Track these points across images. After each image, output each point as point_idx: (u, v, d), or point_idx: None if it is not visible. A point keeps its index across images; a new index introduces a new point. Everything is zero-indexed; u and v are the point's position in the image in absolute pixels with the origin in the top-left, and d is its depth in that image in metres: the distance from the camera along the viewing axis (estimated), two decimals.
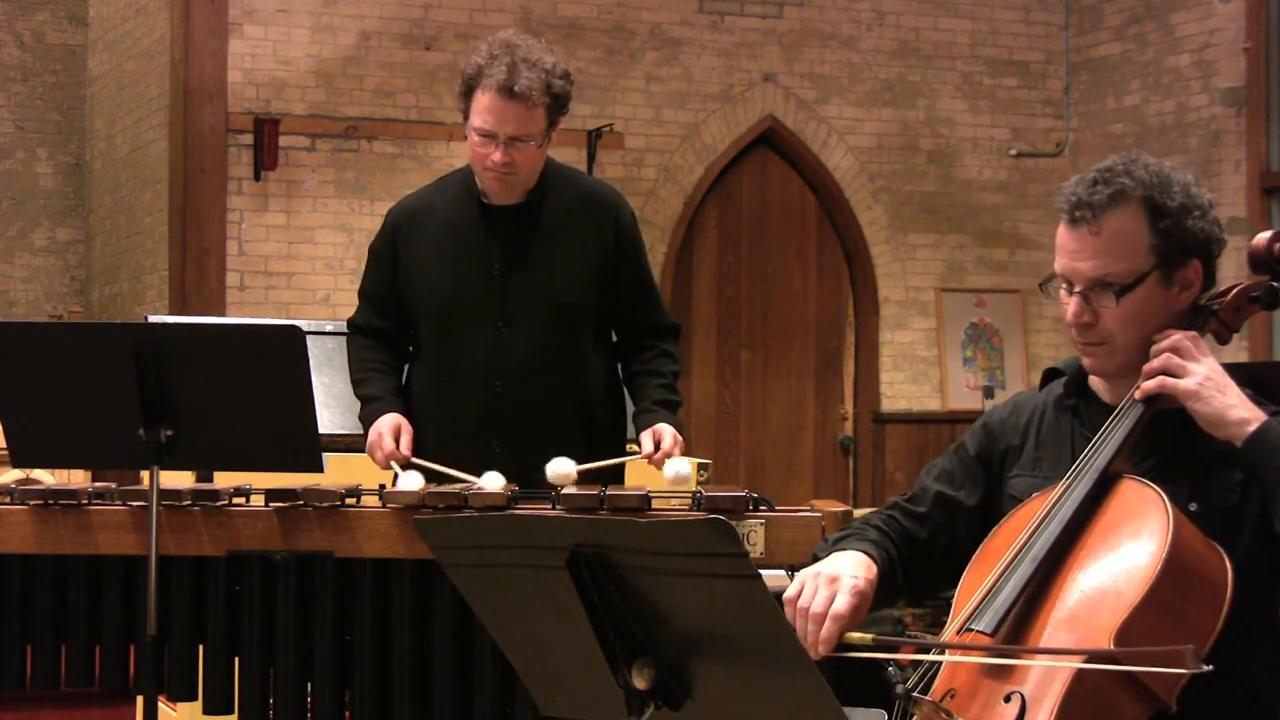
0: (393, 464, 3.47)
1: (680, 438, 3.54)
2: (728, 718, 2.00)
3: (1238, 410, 2.27)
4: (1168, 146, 8.22)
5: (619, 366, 3.76)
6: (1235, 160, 7.99)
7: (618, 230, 3.64)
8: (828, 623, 2.30)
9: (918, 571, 2.59)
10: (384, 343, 3.71)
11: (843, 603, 2.33)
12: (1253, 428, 2.25)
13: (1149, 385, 2.34)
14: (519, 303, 3.57)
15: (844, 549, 2.48)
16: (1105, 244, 2.38)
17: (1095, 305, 2.40)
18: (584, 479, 3.37)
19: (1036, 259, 9.02)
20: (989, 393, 8.77)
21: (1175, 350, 2.34)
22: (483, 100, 3.47)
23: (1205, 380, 2.30)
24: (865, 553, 2.46)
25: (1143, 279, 2.37)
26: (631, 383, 3.71)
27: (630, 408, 3.77)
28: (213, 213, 7.65)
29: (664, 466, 3.43)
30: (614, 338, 3.76)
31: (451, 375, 3.62)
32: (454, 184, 3.69)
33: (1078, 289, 2.41)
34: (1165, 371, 2.33)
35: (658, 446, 3.49)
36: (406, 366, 3.74)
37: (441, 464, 3.43)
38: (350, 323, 3.78)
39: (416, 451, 3.51)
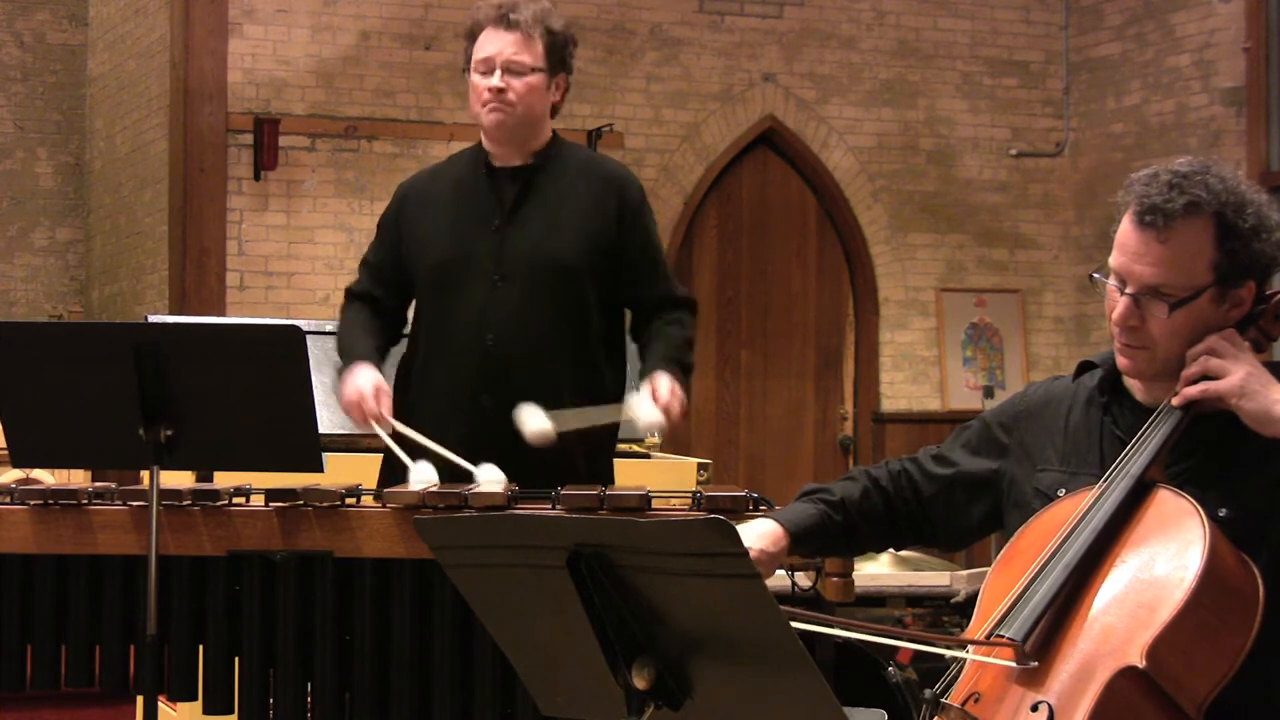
0: (381, 433, 3.46)
1: (680, 392, 3.49)
2: (728, 718, 2.00)
3: None
4: (1168, 146, 8.22)
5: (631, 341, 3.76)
6: (1235, 160, 7.99)
7: (621, 202, 3.65)
8: None
9: (903, 524, 2.67)
10: (376, 310, 3.74)
11: None
12: None
13: (1190, 391, 2.30)
14: (515, 258, 3.58)
15: (773, 515, 2.61)
16: (1169, 254, 2.31)
17: (1145, 311, 2.34)
18: (566, 435, 3.36)
19: (1036, 259, 9.02)
20: (989, 393, 8.76)
21: (1212, 352, 2.31)
22: (481, 37, 3.60)
23: (1248, 376, 2.27)
24: (783, 523, 2.57)
25: (1198, 294, 2.32)
26: (641, 352, 3.69)
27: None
28: (213, 213, 7.65)
29: (636, 411, 3.39)
30: (626, 314, 3.75)
31: (446, 330, 3.63)
32: (464, 155, 3.78)
33: (1130, 291, 2.35)
34: (1205, 375, 2.30)
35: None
36: (397, 346, 3.76)
37: (432, 439, 3.43)
38: (347, 290, 3.81)
39: (406, 418, 3.51)
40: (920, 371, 8.86)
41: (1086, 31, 8.98)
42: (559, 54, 3.63)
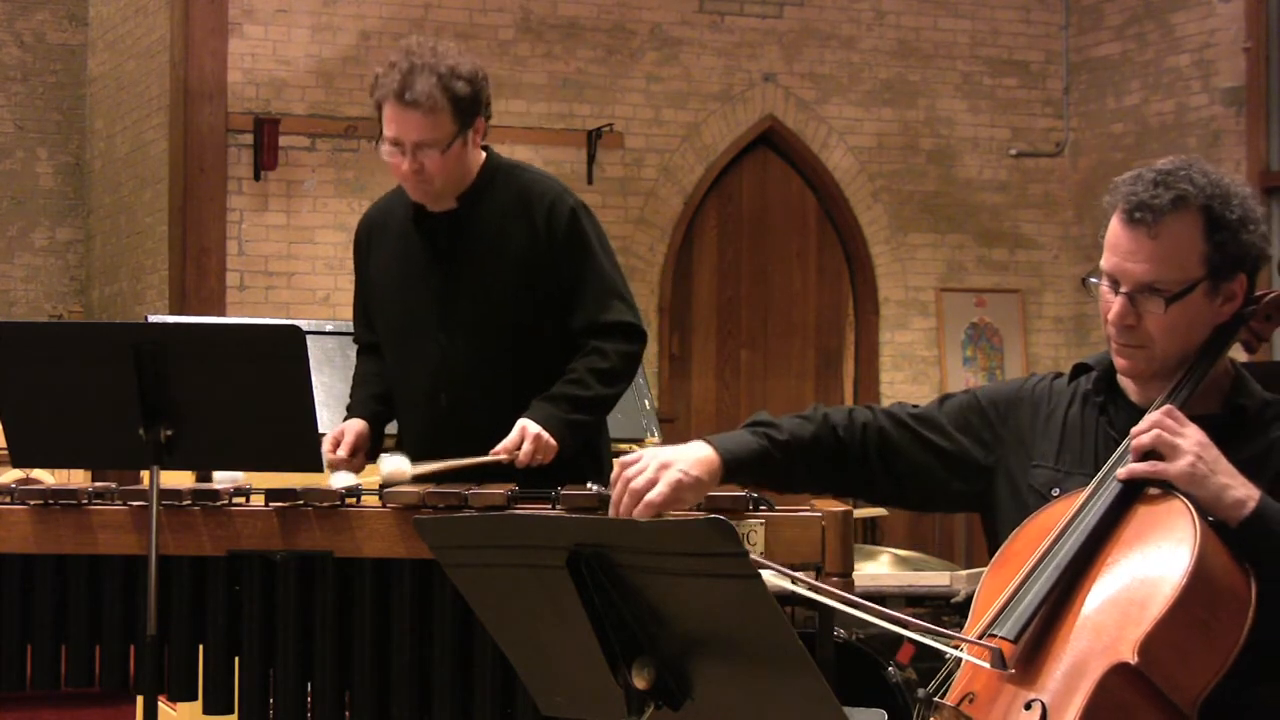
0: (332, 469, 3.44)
1: (546, 436, 3.37)
2: (728, 718, 2.00)
3: (1232, 492, 2.23)
4: (1167, 146, 8.22)
5: None
6: (1235, 160, 7.99)
7: (549, 225, 3.50)
8: (641, 505, 2.48)
9: (854, 474, 2.64)
10: (377, 355, 3.72)
11: (658, 492, 2.48)
12: (1249, 511, 2.22)
13: (1139, 469, 2.28)
14: (457, 317, 3.52)
15: (711, 441, 2.59)
16: (1161, 249, 2.33)
17: (1140, 309, 2.35)
18: (429, 478, 3.32)
19: (1036, 259, 9.02)
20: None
21: (1159, 427, 2.29)
22: (386, 112, 3.42)
23: (1196, 461, 2.25)
24: (719, 450, 2.57)
25: (1192, 288, 2.33)
26: None
27: (609, 419, 3.68)
28: (213, 213, 7.65)
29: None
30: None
31: (404, 388, 3.61)
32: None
33: (1125, 290, 2.36)
34: (1156, 447, 2.28)
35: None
36: None
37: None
38: (355, 341, 3.82)
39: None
40: (920, 371, 8.86)
41: (1086, 31, 8.98)
42: (469, 110, 3.42)
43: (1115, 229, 2.38)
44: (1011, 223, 9.03)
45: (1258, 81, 7.96)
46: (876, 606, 2.24)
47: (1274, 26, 7.98)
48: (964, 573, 4.87)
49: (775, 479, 2.68)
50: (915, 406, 2.66)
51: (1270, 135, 7.95)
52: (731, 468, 2.56)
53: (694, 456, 2.54)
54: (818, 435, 2.62)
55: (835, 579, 3.14)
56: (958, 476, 2.59)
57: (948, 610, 4.71)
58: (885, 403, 9.22)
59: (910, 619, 2.25)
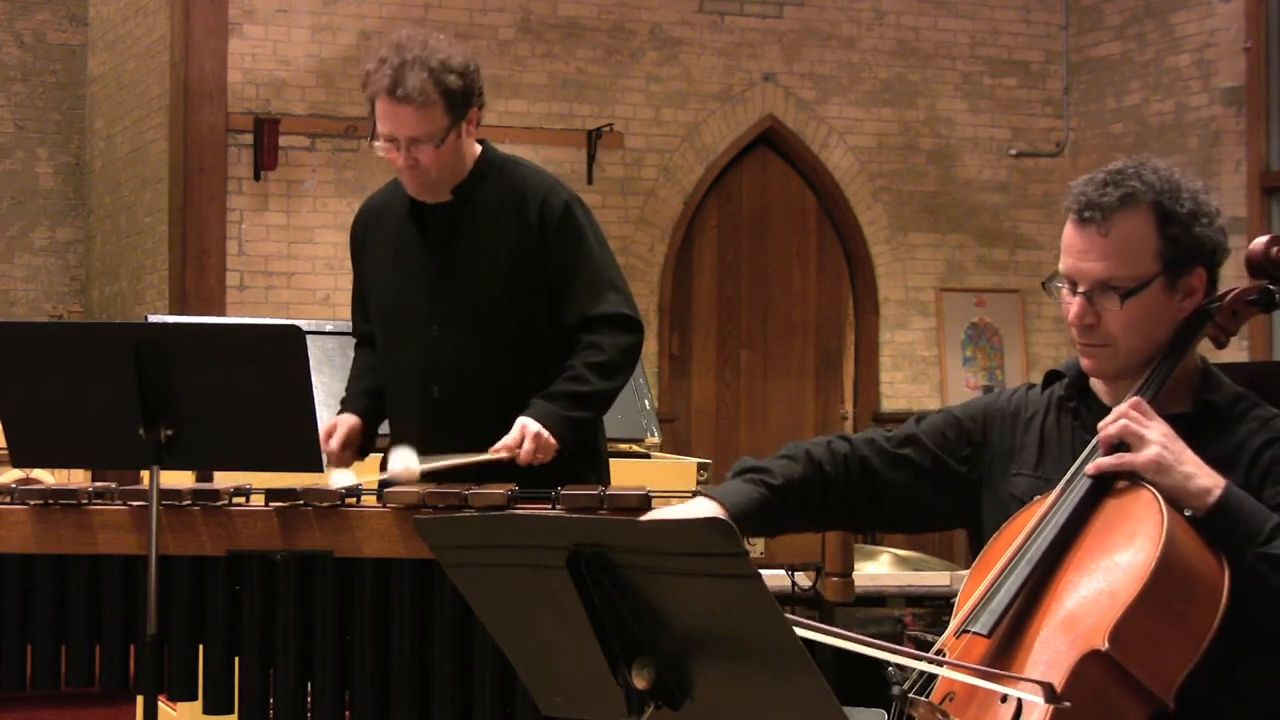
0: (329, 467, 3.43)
1: (545, 434, 3.35)
2: (728, 718, 2.00)
3: (1198, 480, 2.25)
4: (1168, 146, 8.22)
5: None
6: (1235, 160, 8.00)
7: (542, 218, 3.49)
8: None
9: (838, 509, 2.65)
10: (374, 346, 3.73)
11: None
12: (1214, 499, 2.24)
13: (1106, 463, 2.30)
14: (450, 307, 3.51)
15: (713, 495, 2.57)
16: (1113, 246, 2.37)
17: (1098, 307, 2.38)
18: (433, 476, 3.31)
19: (1036, 259, 9.02)
20: (989, 392, 8.77)
21: (1125, 419, 2.31)
22: (379, 108, 3.41)
23: (1162, 452, 2.27)
24: (725, 505, 2.54)
25: (1147, 284, 2.36)
26: None
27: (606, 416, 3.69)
28: (213, 213, 7.65)
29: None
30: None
31: (396, 379, 3.60)
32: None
33: (1082, 289, 2.39)
34: (1123, 438, 2.30)
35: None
36: None
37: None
38: (353, 333, 3.82)
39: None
40: (920, 371, 8.87)
41: (1086, 31, 8.98)
42: (462, 102, 3.42)
43: (1068, 230, 2.43)
44: (1011, 223, 9.03)
45: (1258, 81, 7.96)
46: (871, 639, 2.23)
47: (1274, 26, 7.98)
48: (964, 573, 4.87)
49: (773, 525, 2.68)
50: (891, 431, 2.67)
51: (1270, 135, 7.95)
52: (737, 520, 2.54)
53: (704, 513, 2.53)
54: (805, 474, 2.62)
55: (835, 579, 3.15)
56: (942, 493, 2.61)
57: (947, 610, 4.72)
58: (885, 403, 9.19)
59: (923, 655, 2.24)
